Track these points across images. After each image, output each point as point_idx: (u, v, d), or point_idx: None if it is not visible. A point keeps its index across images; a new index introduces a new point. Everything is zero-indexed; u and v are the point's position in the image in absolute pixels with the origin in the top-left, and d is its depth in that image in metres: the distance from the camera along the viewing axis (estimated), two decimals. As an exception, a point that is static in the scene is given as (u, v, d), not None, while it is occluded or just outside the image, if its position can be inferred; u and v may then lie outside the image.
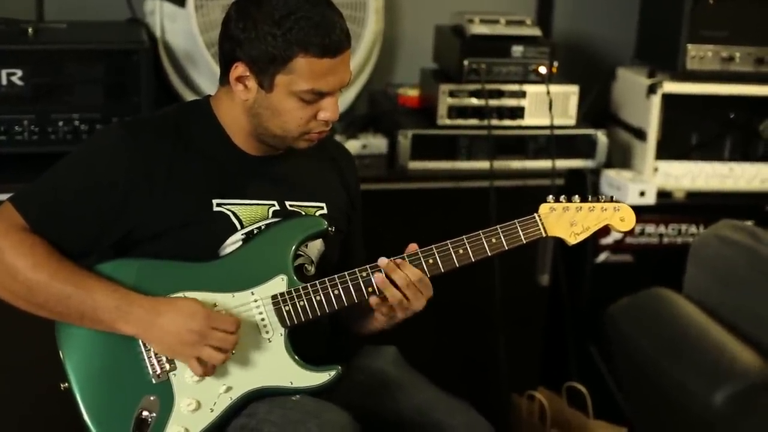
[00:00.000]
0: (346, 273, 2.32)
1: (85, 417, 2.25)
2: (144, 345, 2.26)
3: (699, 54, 3.56)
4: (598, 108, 3.87)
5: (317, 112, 2.28)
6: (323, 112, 2.28)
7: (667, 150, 3.64)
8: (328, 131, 2.37)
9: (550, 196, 2.38)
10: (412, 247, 2.35)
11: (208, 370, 2.23)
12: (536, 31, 3.57)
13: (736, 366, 2.76)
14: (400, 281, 2.29)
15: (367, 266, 2.33)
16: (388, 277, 2.29)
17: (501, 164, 3.50)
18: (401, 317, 2.36)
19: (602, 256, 3.66)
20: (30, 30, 3.10)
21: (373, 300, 2.31)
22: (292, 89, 2.23)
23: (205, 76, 3.37)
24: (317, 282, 2.31)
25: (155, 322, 2.21)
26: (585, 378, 3.60)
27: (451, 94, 3.47)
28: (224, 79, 2.32)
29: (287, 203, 2.40)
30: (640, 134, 3.64)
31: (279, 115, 2.27)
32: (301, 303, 2.30)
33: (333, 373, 2.31)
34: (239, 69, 2.25)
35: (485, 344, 3.54)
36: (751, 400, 2.69)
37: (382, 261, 2.31)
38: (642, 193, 3.53)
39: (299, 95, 2.24)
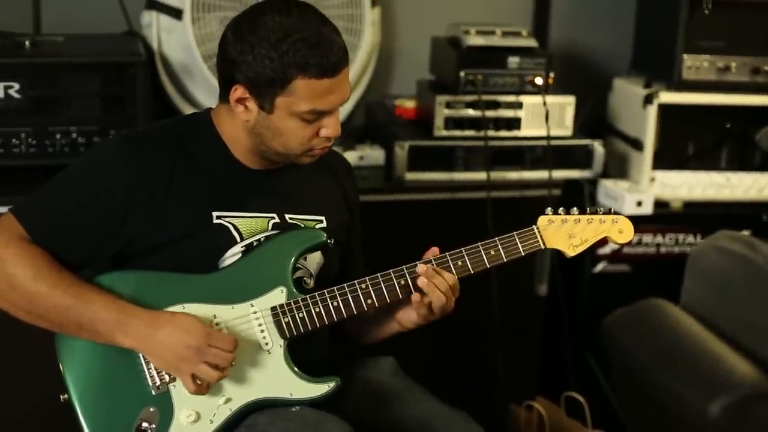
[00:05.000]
0: (345, 285, 2.32)
1: (85, 428, 2.25)
2: (143, 356, 2.26)
3: (695, 64, 3.57)
4: (594, 118, 3.87)
5: (319, 130, 2.28)
6: (325, 129, 2.28)
7: (664, 160, 3.65)
8: (330, 146, 2.37)
9: (549, 209, 2.38)
10: (435, 250, 2.36)
11: (201, 388, 2.23)
12: (532, 42, 3.58)
13: (732, 377, 2.75)
14: (442, 285, 2.31)
15: (366, 278, 2.33)
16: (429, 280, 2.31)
17: (498, 175, 3.50)
18: (435, 318, 2.38)
19: (600, 266, 3.66)
20: (27, 43, 3.11)
21: (415, 298, 2.32)
22: (292, 110, 2.23)
23: (202, 88, 3.37)
24: (316, 294, 2.31)
25: (153, 335, 2.21)
26: (583, 388, 3.60)
27: (448, 105, 3.48)
28: (224, 98, 2.31)
29: (287, 216, 2.40)
30: (637, 144, 3.64)
31: (281, 135, 2.27)
32: (301, 315, 2.30)
33: (332, 384, 2.31)
34: (239, 91, 2.25)
35: (483, 354, 3.54)
36: (746, 411, 2.69)
37: (421, 267, 2.32)
38: (639, 203, 3.53)
39: (300, 116, 2.24)
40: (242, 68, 2.22)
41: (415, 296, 2.32)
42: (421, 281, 2.31)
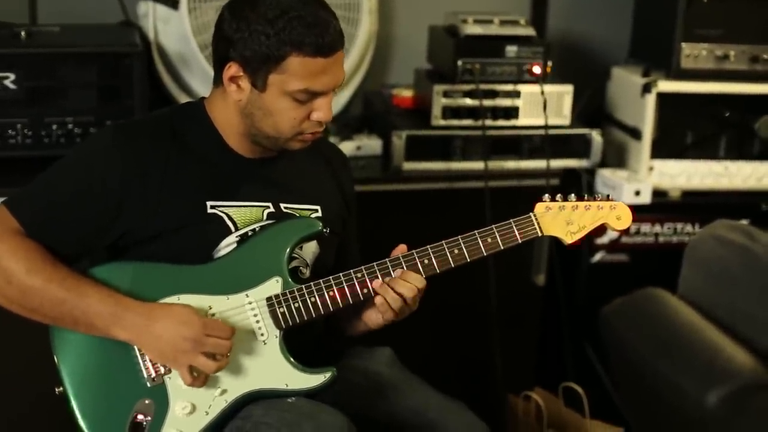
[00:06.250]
0: (341, 274, 2.31)
1: (80, 421, 2.25)
2: (138, 349, 2.25)
3: (693, 53, 3.56)
4: (592, 107, 3.87)
5: (310, 113, 2.28)
6: (316, 113, 2.28)
7: (663, 149, 3.64)
8: (321, 132, 2.36)
9: (546, 195, 2.37)
10: (402, 248, 2.35)
11: (199, 380, 2.23)
12: (530, 31, 3.56)
13: (730, 366, 2.75)
14: (408, 293, 2.29)
15: (362, 267, 2.32)
16: (395, 291, 2.30)
17: (495, 164, 3.50)
18: (399, 319, 2.37)
19: (598, 256, 3.65)
20: (23, 33, 3.09)
21: (379, 300, 2.31)
22: (285, 89, 2.23)
23: (199, 78, 3.37)
24: (312, 284, 2.30)
25: (150, 328, 2.21)
26: (581, 378, 3.59)
27: (446, 94, 3.47)
28: (218, 80, 2.31)
29: (282, 205, 2.39)
30: (635, 133, 3.64)
31: (272, 116, 2.27)
32: (296, 305, 2.29)
33: (328, 375, 2.30)
34: (232, 69, 2.25)
35: (481, 344, 3.54)
36: (744, 401, 2.69)
37: (377, 283, 2.31)
38: (637, 193, 3.52)
39: (292, 95, 2.23)
40: (237, 45, 2.22)
41: (378, 299, 2.31)
42: (376, 283, 2.30)
